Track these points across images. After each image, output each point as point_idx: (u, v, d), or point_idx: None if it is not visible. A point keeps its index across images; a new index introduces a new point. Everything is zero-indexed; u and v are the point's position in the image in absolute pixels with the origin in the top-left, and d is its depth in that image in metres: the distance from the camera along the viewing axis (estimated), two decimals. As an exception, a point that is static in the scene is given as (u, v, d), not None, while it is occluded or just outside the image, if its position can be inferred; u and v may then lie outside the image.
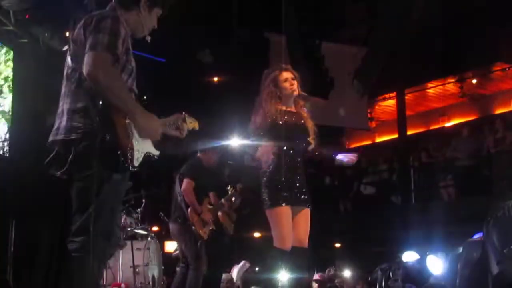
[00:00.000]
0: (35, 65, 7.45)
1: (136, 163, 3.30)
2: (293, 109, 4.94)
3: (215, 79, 13.37)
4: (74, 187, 3.34)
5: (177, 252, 8.00)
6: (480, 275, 4.27)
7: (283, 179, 4.71)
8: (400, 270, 7.67)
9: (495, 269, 4.11)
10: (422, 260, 7.70)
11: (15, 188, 3.44)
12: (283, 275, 4.68)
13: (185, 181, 6.95)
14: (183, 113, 4.03)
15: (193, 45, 11.93)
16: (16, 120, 7.20)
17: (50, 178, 3.67)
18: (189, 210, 6.86)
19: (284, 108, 4.87)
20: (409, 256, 8.71)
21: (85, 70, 3.17)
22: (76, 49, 3.35)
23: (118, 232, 3.48)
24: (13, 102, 7.25)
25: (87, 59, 3.18)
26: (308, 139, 4.92)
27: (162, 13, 3.61)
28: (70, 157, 3.27)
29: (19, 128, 7.18)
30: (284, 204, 4.67)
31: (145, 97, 3.71)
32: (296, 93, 4.92)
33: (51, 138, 3.38)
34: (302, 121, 4.91)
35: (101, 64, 3.16)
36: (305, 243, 4.78)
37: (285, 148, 4.78)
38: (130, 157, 3.24)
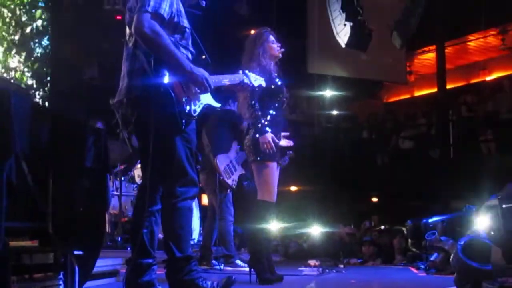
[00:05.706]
0: (72, 15, 7.51)
1: (194, 113, 3.64)
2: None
3: (252, 31, 13.22)
4: (143, 141, 3.68)
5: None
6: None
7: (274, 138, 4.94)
8: (437, 223, 7.62)
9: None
10: (459, 213, 7.64)
11: (53, 137, 3.48)
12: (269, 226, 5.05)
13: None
14: (245, 71, 4.55)
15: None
16: (54, 68, 7.31)
17: (89, 128, 3.72)
18: (216, 160, 6.83)
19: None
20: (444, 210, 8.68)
21: (133, 29, 3.51)
22: (132, 16, 3.64)
23: (196, 176, 3.78)
24: (51, 51, 7.34)
25: (134, 19, 3.51)
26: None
27: None
28: (135, 113, 3.64)
29: (57, 75, 7.29)
30: (274, 160, 4.96)
31: (203, 57, 4.00)
32: (279, 57, 5.18)
33: (115, 99, 3.72)
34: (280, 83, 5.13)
35: (145, 21, 3.46)
36: (275, 198, 5.09)
37: (276, 105, 5.06)
38: (187, 107, 3.56)
